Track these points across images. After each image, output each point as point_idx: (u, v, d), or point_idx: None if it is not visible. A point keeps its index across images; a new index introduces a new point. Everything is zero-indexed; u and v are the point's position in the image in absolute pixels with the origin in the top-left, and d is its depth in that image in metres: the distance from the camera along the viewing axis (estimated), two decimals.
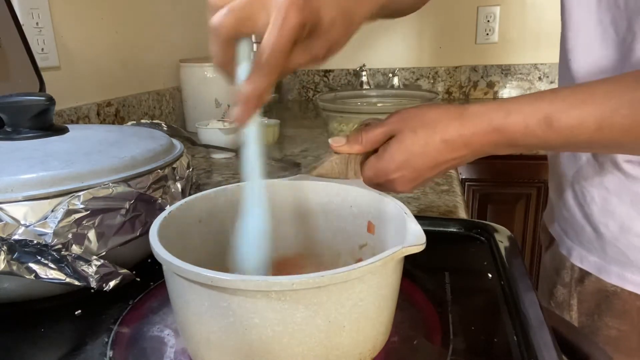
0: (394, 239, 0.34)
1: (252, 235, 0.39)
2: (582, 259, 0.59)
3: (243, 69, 0.35)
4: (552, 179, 0.65)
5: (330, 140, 0.47)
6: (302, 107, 1.84)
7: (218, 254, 0.44)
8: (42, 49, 0.90)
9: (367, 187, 0.44)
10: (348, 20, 0.37)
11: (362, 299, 0.32)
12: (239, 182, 0.46)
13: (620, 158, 0.52)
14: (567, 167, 0.59)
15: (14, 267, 0.40)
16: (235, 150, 1.07)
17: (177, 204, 0.41)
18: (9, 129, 0.51)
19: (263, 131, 0.38)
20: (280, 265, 0.44)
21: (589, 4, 0.51)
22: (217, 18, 0.34)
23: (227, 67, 0.36)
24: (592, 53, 0.51)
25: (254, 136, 0.37)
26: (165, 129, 0.74)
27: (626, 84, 0.39)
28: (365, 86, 1.76)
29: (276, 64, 0.34)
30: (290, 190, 0.46)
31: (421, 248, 0.33)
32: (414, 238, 0.33)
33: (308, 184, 0.46)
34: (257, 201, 0.39)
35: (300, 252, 0.47)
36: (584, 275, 0.59)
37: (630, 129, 0.38)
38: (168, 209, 0.40)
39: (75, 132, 0.54)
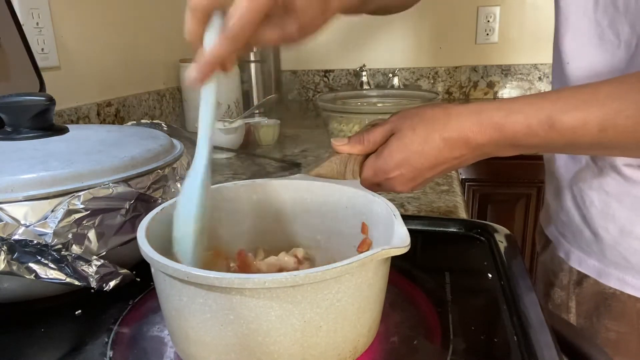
0: (383, 241, 0.34)
1: (188, 195, 0.37)
2: (580, 262, 0.58)
3: (210, 38, 0.35)
4: (549, 182, 0.65)
5: (332, 140, 0.47)
6: (302, 107, 1.84)
7: (214, 251, 0.44)
8: (42, 49, 0.90)
9: (362, 188, 0.44)
10: (324, 4, 0.37)
11: (339, 299, 0.31)
12: (237, 181, 0.47)
13: (619, 161, 0.51)
14: (565, 170, 0.59)
15: (14, 267, 0.40)
16: (236, 150, 1.07)
17: (171, 201, 0.41)
18: (9, 129, 0.51)
19: (218, 95, 0.38)
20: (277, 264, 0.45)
21: (586, 6, 0.50)
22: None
23: (198, 42, 0.36)
24: (589, 56, 0.51)
25: (208, 99, 0.37)
26: (165, 129, 0.73)
27: (630, 85, 0.39)
28: (365, 86, 1.76)
29: (242, 32, 0.34)
30: (287, 189, 0.46)
31: (404, 250, 0.32)
32: (398, 240, 0.33)
33: (304, 183, 0.46)
34: (199, 166, 0.37)
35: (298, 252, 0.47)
36: (582, 277, 0.58)
37: (635, 130, 0.38)
38: (160, 205, 0.40)
39: (75, 132, 0.54)
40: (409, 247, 0.33)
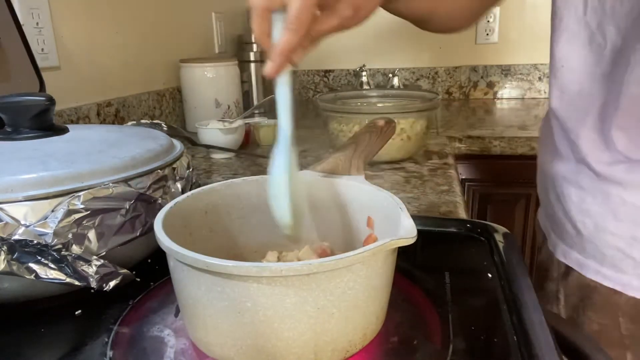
0: (389, 233, 0.35)
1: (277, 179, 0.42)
2: (565, 254, 0.60)
3: (276, 34, 0.40)
4: (540, 179, 0.67)
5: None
6: (302, 107, 1.83)
7: (225, 245, 0.45)
8: (42, 49, 0.90)
9: (367, 183, 0.45)
10: None
11: (350, 287, 0.33)
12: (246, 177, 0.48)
13: (591, 158, 0.53)
14: (550, 165, 0.61)
15: (14, 267, 0.40)
16: (236, 150, 1.07)
17: (183, 196, 0.42)
18: (9, 129, 0.51)
19: (292, 82, 0.42)
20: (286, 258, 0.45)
21: (577, 8, 0.51)
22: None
23: (265, 39, 0.40)
24: (580, 58, 0.52)
25: (284, 87, 0.41)
26: (165, 129, 0.74)
27: None
28: (365, 86, 1.76)
29: (300, 22, 0.37)
30: None
31: (411, 241, 0.34)
32: (405, 231, 0.34)
33: (310, 179, 0.47)
34: (283, 149, 0.43)
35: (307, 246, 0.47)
36: (568, 270, 0.60)
37: None
38: (174, 200, 0.41)
39: (75, 132, 0.54)
40: (416, 237, 0.34)
